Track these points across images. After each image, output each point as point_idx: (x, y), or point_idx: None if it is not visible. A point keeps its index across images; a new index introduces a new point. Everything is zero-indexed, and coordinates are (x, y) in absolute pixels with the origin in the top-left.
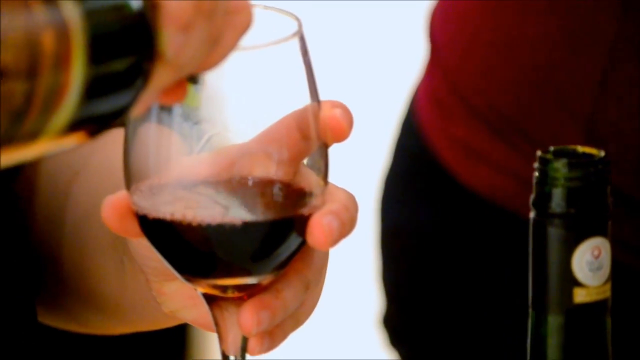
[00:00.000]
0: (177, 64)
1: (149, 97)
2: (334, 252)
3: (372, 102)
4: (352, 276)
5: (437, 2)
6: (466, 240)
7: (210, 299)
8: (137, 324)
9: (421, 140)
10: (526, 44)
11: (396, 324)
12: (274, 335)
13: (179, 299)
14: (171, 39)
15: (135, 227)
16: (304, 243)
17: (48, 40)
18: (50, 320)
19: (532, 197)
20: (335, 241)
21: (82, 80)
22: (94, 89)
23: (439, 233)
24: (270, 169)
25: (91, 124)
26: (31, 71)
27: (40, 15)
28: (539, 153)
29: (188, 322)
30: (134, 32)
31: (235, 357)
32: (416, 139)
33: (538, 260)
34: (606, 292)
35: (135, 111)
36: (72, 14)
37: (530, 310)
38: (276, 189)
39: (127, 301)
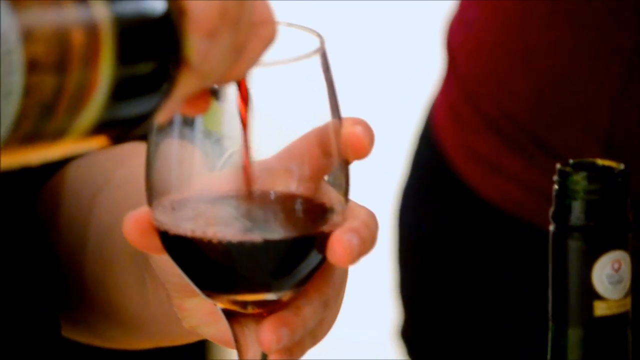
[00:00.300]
0: (202, 71)
1: (172, 104)
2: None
3: (389, 114)
4: (369, 288)
5: (454, 13)
6: (484, 252)
7: (230, 315)
8: (159, 339)
9: (438, 153)
10: (544, 55)
11: (414, 336)
12: (292, 352)
13: (199, 315)
14: (197, 45)
15: (156, 243)
16: (324, 260)
17: (78, 37)
18: (73, 334)
19: (551, 210)
20: (355, 258)
21: (109, 79)
22: (120, 90)
23: (457, 245)
24: (291, 186)
25: (116, 126)
26: (60, 66)
27: (71, 11)
28: (558, 166)
29: (208, 338)
30: (161, 36)
31: None
32: (433, 151)
33: (558, 273)
34: (626, 305)
35: (159, 118)
36: (102, 14)
37: (550, 323)
38: (297, 206)
39: (148, 316)
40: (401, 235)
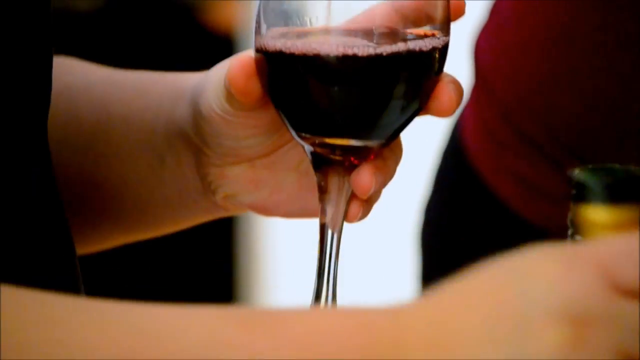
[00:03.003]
0: None
1: None
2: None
3: (411, 129)
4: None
5: (482, 30)
6: None
7: (319, 163)
8: (166, 224)
9: (469, 170)
10: (591, 75)
11: None
12: (369, 204)
13: (241, 182)
14: None
15: (257, 87)
16: (414, 114)
17: None
18: (83, 247)
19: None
20: (455, 109)
21: None
22: None
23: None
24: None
25: None
26: None
27: None
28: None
29: (246, 207)
30: None
31: (333, 230)
32: (463, 168)
33: None
34: None
35: None
36: None
37: None
38: (399, 52)
39: (160, 198)
40: (424, 253)
